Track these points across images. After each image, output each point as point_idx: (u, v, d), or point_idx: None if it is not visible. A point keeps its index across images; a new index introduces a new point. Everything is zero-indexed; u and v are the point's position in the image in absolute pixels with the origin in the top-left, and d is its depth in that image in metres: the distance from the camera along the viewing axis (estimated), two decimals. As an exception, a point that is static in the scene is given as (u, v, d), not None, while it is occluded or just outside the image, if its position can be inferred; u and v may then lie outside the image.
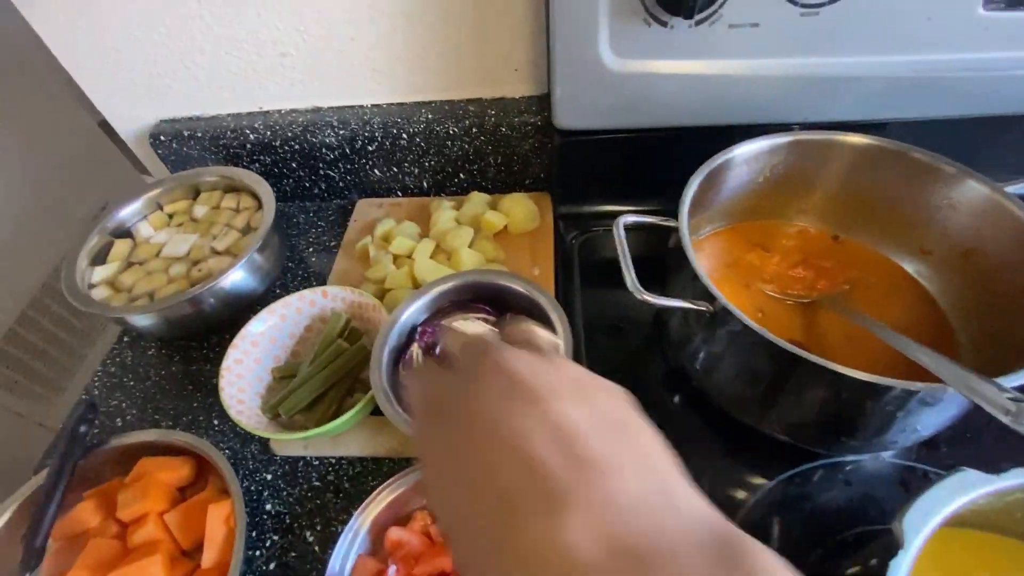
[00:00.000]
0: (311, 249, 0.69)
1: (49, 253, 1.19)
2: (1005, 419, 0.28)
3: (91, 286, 0.58)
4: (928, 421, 0.39)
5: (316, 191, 0.74)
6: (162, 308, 0.54)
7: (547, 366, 0.21)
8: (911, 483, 0.44)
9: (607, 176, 0.64)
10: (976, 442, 0.46)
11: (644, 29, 0.48)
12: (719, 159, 0.47)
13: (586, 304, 0.60)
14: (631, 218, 0.45)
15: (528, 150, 0.67)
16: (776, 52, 0.48)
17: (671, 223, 0.46)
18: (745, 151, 0.48)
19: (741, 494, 0.46)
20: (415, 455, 0.26)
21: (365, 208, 0.72)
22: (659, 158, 0.59)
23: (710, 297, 0.40)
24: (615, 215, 0.65)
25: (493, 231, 0.64)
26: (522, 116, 0.64)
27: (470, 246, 0.61)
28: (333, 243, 0.69)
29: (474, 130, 0.65)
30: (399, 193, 0.74)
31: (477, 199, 0.67)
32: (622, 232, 0.44)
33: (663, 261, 0.50)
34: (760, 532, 0.43)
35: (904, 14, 0.47)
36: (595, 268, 0.64)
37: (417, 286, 0.58)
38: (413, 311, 0.48)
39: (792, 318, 0.51)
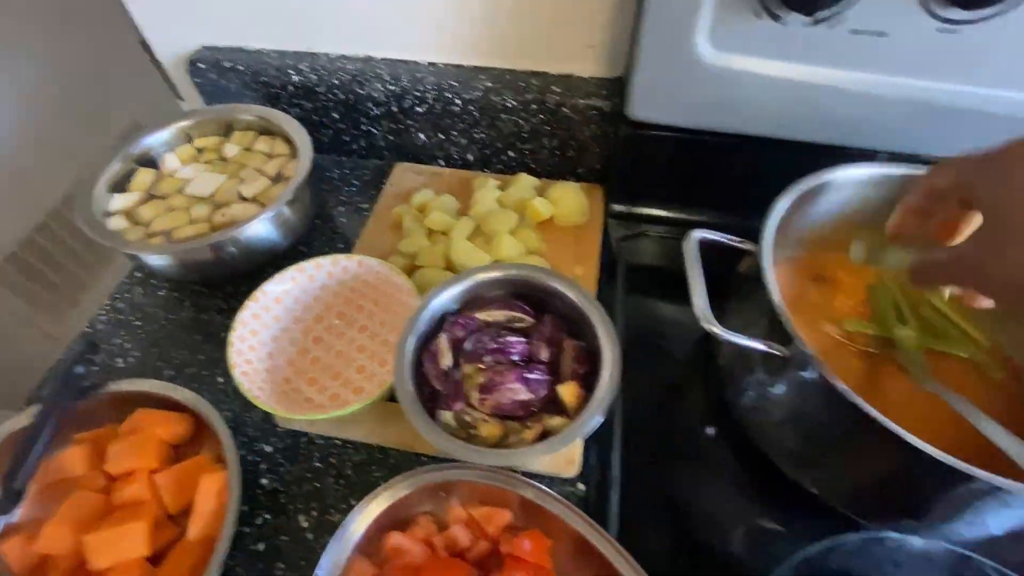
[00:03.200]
0: (342, 208, 0.65)
1: (74, 165, 1.16)
2: None
3: (107, 214, 0.54)
4: (1004, 519, 0.35)
5: (355, 147, 0.69)
6: (180, 250, 0.51)
7: None
8: None
9: (672, 178, 0.59)
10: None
11: (752, 21, 0.42)
12: (813, 180, 0.42)
13: (627, 313, 0.55)
14: (705, 234, 0.40)
15: (588, 137, 0.61)
16: (902, 69, 0.42)
17: (747, 246, 0.41)
18: (845, 177, 0.42)
19: (768, 552, 0.42)
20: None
21: (403, 173, 0.67)
22: (736, 167, 0.54)
23: (785, 339, 0.35)
24: (673, 222, 0.61)
25: (538, 220, 0.59)
26: (589, 99, 0.58)
27: (511, 233, 0.57)
28: (365, 205, 0.65)
29: (533, 106, 0.59)
30: (441, 162, 0.69)
31: (525, 182, 0.62)
32: (695, 248, 0.39)
33: (722, 280, 0.45)
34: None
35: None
36: (641, 274, 0.59)
37: (450, 267, 0.54)
38: (445, 298, 0.44)
39: (854, 368, 0.46)
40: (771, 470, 0.43)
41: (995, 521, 0.34)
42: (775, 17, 0.42)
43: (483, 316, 0.44)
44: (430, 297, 0.43)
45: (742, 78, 0.45)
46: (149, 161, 0.59)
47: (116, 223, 0.53)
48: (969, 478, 0.30)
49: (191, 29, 0.64)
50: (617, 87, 0.59)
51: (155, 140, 0.60)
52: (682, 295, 0.40)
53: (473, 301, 0.46)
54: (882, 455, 0.35)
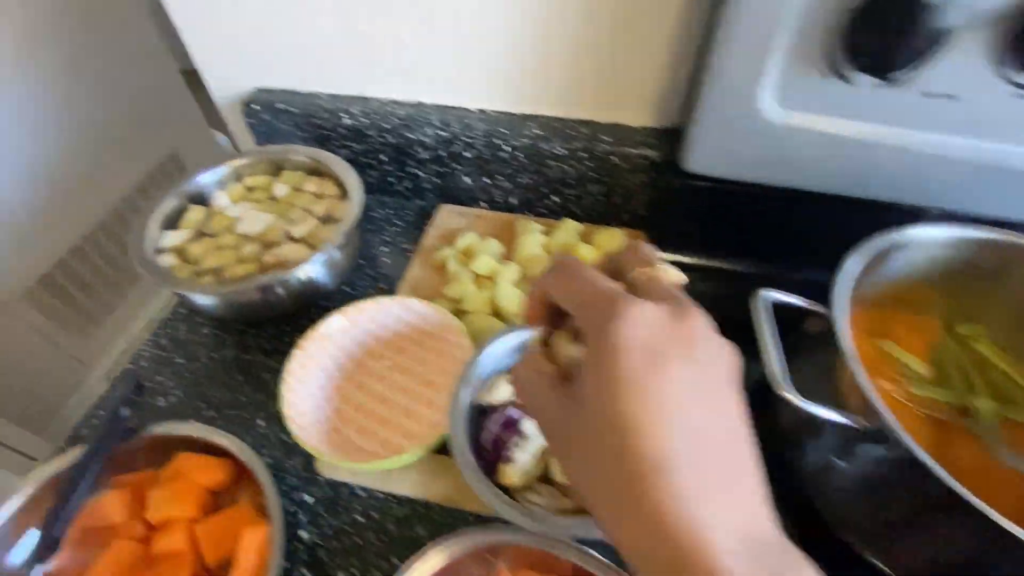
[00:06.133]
0: (384, 248, 0.65)
1: (108, 190, 1.19)
2: None
3: (158, 251, 0.54)
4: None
5: (400, 188, 0.70)
6: (228, 291, 0.50)
7: (671, 334, 0.20)
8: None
9: (722, 228, 0.58)
10: None
11: (819, 81, 0.42)
12: (887, 240, 0.40)
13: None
14: (777, 296, 0.38)
15: (635, 185, 0.61)
16: (971, 131, 0.41)
17: (818, 309, 0.39)
18: (920, 236, 0.41)
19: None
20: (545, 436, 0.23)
21: (447, 215, 0.67)
22: (791, 221, 0.53)
23: (863, 409, 0.33)
24: (721, 271, 0.60)
25: (584, 267, 0.59)
26: (638, 148, 0.58)
27: (559, 280, 0.56)
28: (407, 246, 0.65)
29: (582, 154, 0.59)
30: (483, 204, 0.69)
31: (570, 227, 0.62)
32: (766, 309, 0.37)
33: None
34: None
35: None
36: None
37: (497, 313, 0.53)
38: (500, 348, 0.43)
39: (921, 431, 0.43)
40: (835, 541, 0.40)
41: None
42: (843, 78, 0.41)
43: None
44: (485, 346, 0.42)
45: (806, 135, 0.45)
46: (201, 199, 0.60)
47: (167, 260, 0.54)
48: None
49: (248, 72, 0.66)
50: (666, 136, 0.58)
51: (208, 178, 0.61)
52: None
53: (525, 352, 0.45)
54: (960, 531, 0.33)
